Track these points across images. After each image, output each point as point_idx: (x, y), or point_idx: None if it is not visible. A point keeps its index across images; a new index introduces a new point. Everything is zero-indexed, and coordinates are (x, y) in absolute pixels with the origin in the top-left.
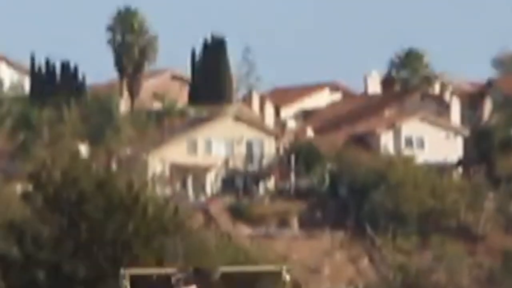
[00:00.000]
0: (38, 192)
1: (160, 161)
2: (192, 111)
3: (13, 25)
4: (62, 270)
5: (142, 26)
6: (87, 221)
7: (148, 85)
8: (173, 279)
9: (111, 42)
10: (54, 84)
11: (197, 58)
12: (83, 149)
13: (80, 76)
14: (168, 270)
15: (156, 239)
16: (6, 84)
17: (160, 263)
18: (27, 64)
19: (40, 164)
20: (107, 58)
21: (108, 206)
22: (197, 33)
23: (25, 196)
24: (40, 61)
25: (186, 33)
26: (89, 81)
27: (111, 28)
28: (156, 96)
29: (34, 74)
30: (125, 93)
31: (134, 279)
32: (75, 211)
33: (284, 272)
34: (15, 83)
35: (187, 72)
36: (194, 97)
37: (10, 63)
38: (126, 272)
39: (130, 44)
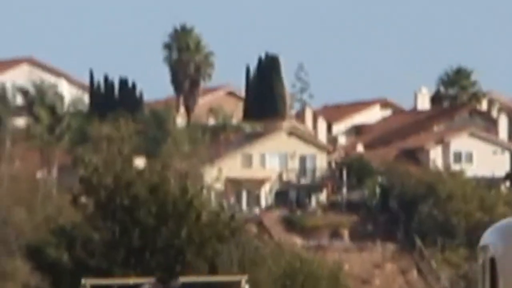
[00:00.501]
0: (90, 197)
1: (215, 175)
2: (247, 127)
3: (73, 44)
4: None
5: (198, 44)
6: (139, 227)
7: (203, 102)
8: None
9: (168, 59)
10: (112, 100)
11: (251, 75)
12: (140, 162)
13: (137, 93)
14: (130, 281)
15: (209, 246)
16: (67, 100)
17: (213, 271)
18: (86, 81)
19: (92, 168)
20: (164, 75)
21: (161, 211)
22: (252, 51)
23: (76, 201)
24: (99, 78)
25: (241, 51)
26: (146, 97)
27: (167, 46)
28: (212, 111)
29: (93, 90)
30: (181, 109)
31: None
32: (127, 217)
33: (243, 282)
34: (75, 99)
35: (241, 89)
36: (249, 113)
37: (70, 80)
38: (87, 283)
39: (186, 61)
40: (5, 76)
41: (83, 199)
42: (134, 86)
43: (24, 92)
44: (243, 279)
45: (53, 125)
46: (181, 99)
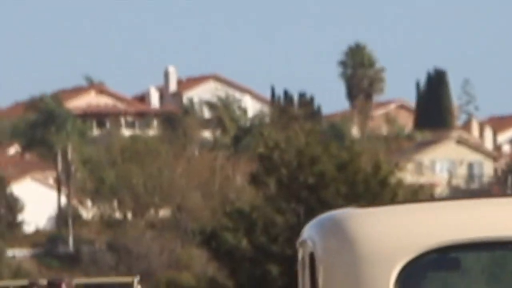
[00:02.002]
0: (270, 176)
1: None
2: (418, 136)
3: (256, 61)
4: None
5: (371, 60)
6: (327, 209)
7: (377, 114)
8: None
9: (343, 75)
10: (292, 113)
11: (421, 89)
12: None
13: (315, 106)
14: (23, 282)
15: None
16: (250, 113)
17: None
18: (268, 95)
19: (272, 143)
20: (340, 89)
21: (351, 191)
22: (421, 66)
23: (255, 179)
24: (280, 93)
25: (411, 66)
26: (324, 110)
27: (343, 63)
28: (388, 121)
29: (274, 104)
30: (356, 121)
31: None
32: (313, 197)
33: (135, 283)
34: (258, 113)
35: (411, 102)
36: (419, 124)
37: (253, 95)
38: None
39: (360, 76)
40: (192, 92)
41: (263, 178)
42: (312, 99)
43: (211, 106)
44: (135, 280)
45: (238, 136)
46: (356, 112)
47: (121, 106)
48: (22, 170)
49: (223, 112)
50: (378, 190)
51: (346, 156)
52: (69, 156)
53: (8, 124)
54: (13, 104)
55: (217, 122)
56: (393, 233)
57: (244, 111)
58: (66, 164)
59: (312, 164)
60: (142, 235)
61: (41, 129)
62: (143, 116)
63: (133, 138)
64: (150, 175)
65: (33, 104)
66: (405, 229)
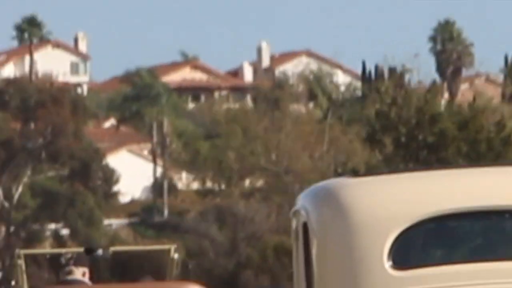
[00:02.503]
0: (387, 134)
1: None
2: (505, 108)
3: (346, 35)
4: None
5: (460, 35)
6: None
7: (464, 88)
8: (62, 259)
9: (433, 50)
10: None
11: (509, 62)
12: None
13: (405, 81)
14: (62, 250)
15: None
16: (341, 88)
17: None
18: (359, 70)
19: (390, 100)
20: (429, 64)
21: (473, 151)
22: (509, 40)
23: (371, 138)
24: (370, 67)
25: (499, 40)
26: (412, 84)
27: (432, 38)
28: (476, 94)
29: (365, 78)
30: (445, 95)
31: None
32: (432, 157)
33: (172, 250)
34: (349, 87)
35: (499, 76)
36: (505, 98)
37: (344, 70)
38: (21, 252)
39: (449, 51)
40: (285, 67)
41: (379, 137)
42: (402, 74)
43: (304, 80)
44: (172, 248)
45: (330, 110)
46: (445, 86)
47: (215, 81)
48: (118, 143)
49: (315, 86)
50: (501, 149)
51: (468, 114)
52: (165, 128)
53: (104, 98)
54: (109, 78)
55: (309, 96)
56: (387, 203)
57: (336, 85)
58: (161, 136)
59: (432, 123)
60: (247, 200)
61: (136, 102)
62: (236, 91)
63: (227, 111)
64: (253, 139)
65: (129, 78)
66: (400, 198)
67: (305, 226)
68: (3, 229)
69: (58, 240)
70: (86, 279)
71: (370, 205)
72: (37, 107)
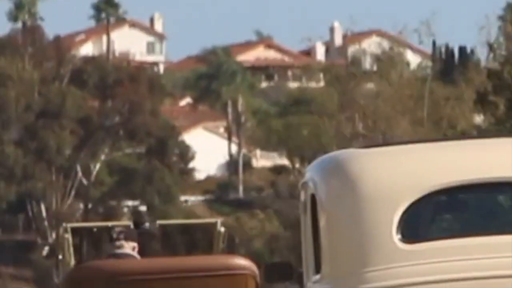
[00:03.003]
0: (499, 95)
1: None
2: None
3: (416, 15)
4: None
5: None
6: None
7: None
8: (113, 233)
9: (501, 29)
10: (452, 66)
11: None
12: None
13: (475, 59)
14: (109, 223)
15: None
16: (412, 67)
17: None
18: (429, 50)
19: (503, 59)
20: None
21: None
22: None
23: (482, 99)
24: (441, 48)
25: None
26: (483, 63)
27: (501, 17)
28: None
29: (435, 58)
30: None
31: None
32: None
33: (219, 224)
34: (420, 67)
35: None
36: None
37: (414, 50)
38: (67, 226)
39: None
40: (356, 46)
41: (491, 98)
42: (472, 52)
43: (375, 59)
44: (219, 221)
45: (402, 86)
46: None
47: (288, 60)
48: (194, 120)
49: (387, 64)
50: None
51: None
52: (239, 107)
53: (180, 77)
54: (184, 58)
55: (381, 75)
56: (397, 174)
57: (407, 64)
58: (236, 114)
59: None
60: None
61: (212, 81)
62: (309, 69)
63: (301, 89)
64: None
65: (205, 57)
66: (409, 170)
67: (313, 198)
68: (82, 205)
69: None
70: (135, 253)
71: (379, 177)
72: (115, 86)
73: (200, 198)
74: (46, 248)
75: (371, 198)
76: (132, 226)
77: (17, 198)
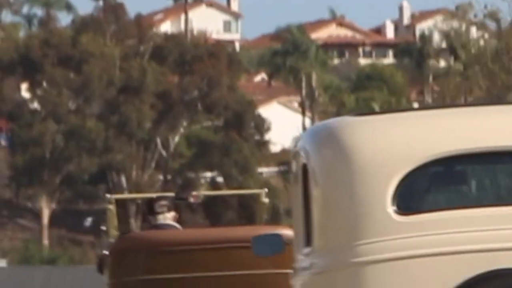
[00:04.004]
0: None
1: None
2: None
3: None
4: None
5: None
6: None
7: None
8: (155, 205)
9: None
10: None
11: None
12: None
13: None
14: (153, 195)
15: None
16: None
17: None
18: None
19: None
20: None
21: None
22: None
23: None
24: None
25: None
26: None
27: None
28: None
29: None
30: None
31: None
32: None
33: (263, 195)
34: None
35: None
36: None
37: (478, 26)
38: (111, 197)
39: None
40: (424, 24)
41: None
42: None
43: (444, 35)
44: (263, 192)
45: (468, 63)
46: None
47: (359, 37)
48: (269, 95)
49: (455, 40)
50: None
51: None
52: (313, 82)
53: (255, 54)
54: (259, 36)
55: (449, 51)
56: (392, 143)
57: (475, 40)
58: (310, 89)
59: None
60: None
61: (286, 57)
62: (379, 47)
63: (371, 66)
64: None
65: (279, 35)
66: (405, 138)
67: (304, 168)
68: (161, 177)
69: (214, 187)
70: (177, 223)
71: (373, 146)
72: (194, 62)
73: (274, 169)
74: (89, 219)
75: (366, 167)
76: (175, 197)
77: (99, 170)
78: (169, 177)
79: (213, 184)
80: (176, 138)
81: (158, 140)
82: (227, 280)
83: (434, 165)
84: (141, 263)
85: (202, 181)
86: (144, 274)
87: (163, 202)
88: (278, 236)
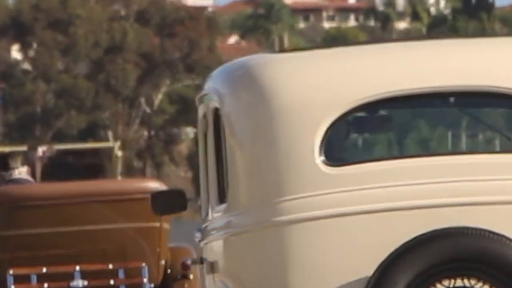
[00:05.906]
0: None
1: None
2: None
3: None
4: None
5: None
6: None
7: None
8: (9, 160)
9: None
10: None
11: None
12: None
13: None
14: (5, 149)
15: None
16: (441, 5)
17: None
18: None
19: None
20: None
21: None
22: None
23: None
24: None
25: None
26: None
27: None
28: None
29: None
30: None
31: None
32: None
33: (116, 148)
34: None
35: None
36: None
37: None
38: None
39: None
40: None
41: None
42: None
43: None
44: (116, 145)
45: (432, 24)
46: None
47: (323, 2)
48: (241, 56)
49: (417, 3)
50: None
51: None
52: (285, 44)
53: (227, 18)
54: (231, 1)
55: (412, 14)
56: (319, 84)
57: (437, 2)
58: (281, 50)
59: None
60: None
61: (258, 20)
62: (342, 11)
63: (334, 29)
64: None
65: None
66: (335, 78)
67: (216, 113)
68: (145, 132)
69: (196, 142)
70: (30, 177)
71: (298, 87)
72: (175, 24)
73: None
74: None
75: (288, 112)
76: (27, 151)
77: (87, 126)
78: (153, 132)
79: (195, 140)
80: (160, 96)
81: (143, 98)
82: (88, 235)
83: (369, 108)
84: (2, 218)
85: (183, 136)
86: (4, 230)
87: (17, 157)
88: (181, 192)
